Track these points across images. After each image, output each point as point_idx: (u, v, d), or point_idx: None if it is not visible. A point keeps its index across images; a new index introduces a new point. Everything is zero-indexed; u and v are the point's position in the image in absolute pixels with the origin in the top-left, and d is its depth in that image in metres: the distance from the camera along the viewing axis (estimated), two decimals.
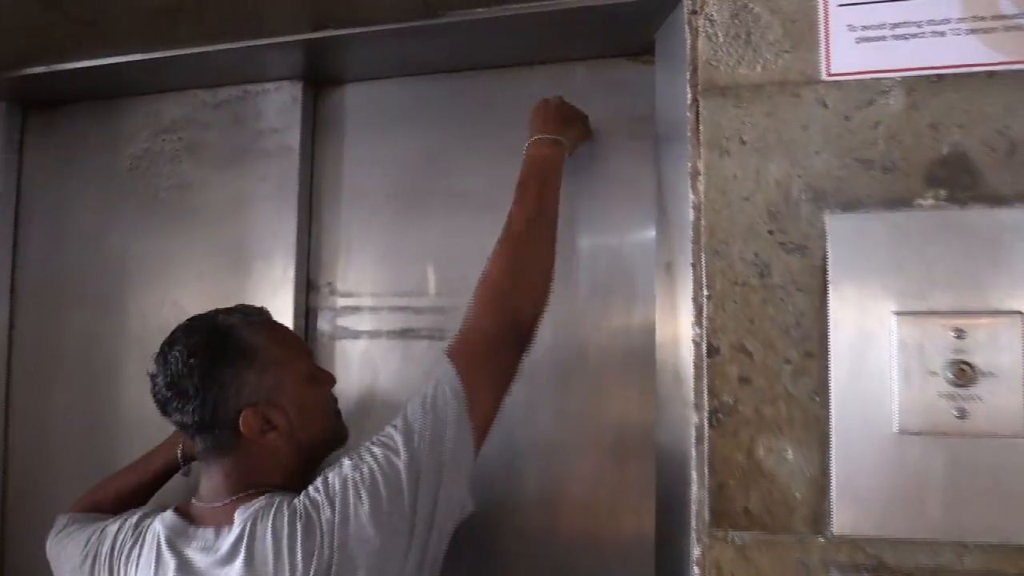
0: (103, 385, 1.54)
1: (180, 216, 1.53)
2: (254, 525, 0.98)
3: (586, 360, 1.30)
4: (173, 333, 1.09)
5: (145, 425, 1.42)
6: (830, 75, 0.84)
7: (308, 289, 1.47)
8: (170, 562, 1.02)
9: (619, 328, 1.29)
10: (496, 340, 1.04)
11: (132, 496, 1.25)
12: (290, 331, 1.20)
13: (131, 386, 1.51)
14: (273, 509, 0.98)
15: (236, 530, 1.00)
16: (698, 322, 0.87)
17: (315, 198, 1.48)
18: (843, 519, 0.81)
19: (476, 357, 1.04)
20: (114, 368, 1.55)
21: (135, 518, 1.11)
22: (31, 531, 1.55)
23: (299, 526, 0.95)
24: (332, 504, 0.96)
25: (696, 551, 0.85)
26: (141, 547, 1.06)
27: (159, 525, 1.05)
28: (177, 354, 1.04)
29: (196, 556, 1.01)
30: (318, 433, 1.12)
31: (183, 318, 1.14)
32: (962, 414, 0.78)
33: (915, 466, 0.79)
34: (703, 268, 0.87)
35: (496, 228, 1.14)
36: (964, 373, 0.77)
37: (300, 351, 1.15)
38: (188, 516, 1.06)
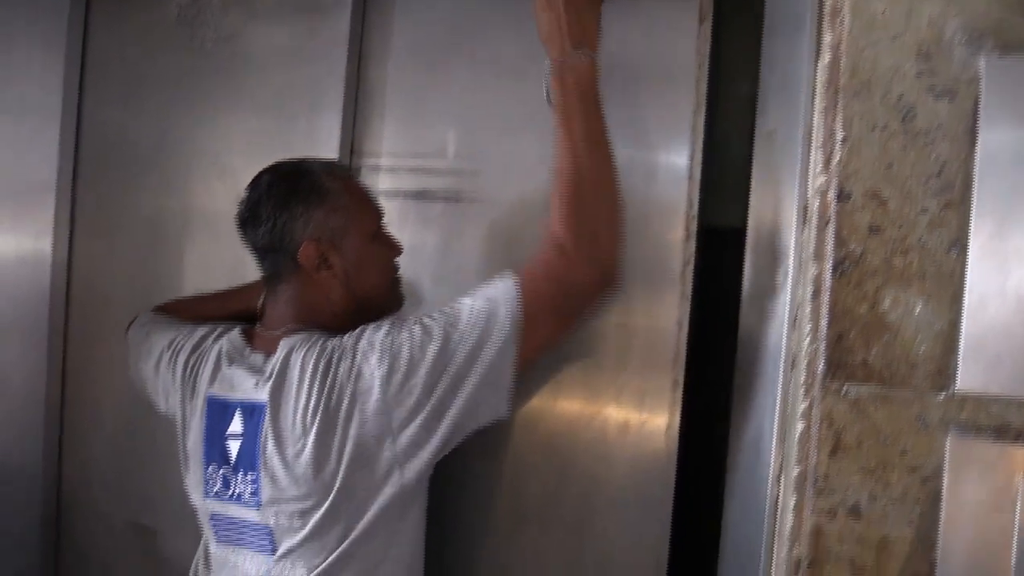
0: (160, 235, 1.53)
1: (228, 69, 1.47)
2: (290, 354, 1.08)
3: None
4: (266, 167, 1.18)
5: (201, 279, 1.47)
6: None
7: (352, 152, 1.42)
8: (220, 375, 1.16)
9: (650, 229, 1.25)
10: (577, 286, 1.02)
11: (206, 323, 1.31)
12: (369, 192, 1.22)
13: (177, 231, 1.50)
14: (309, 344, 1.08)
15: (277, 357, 1.10)
16: (826, 169, 0.82)
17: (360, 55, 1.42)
18: (969, 377, 0.77)
19: (547, 293, 1.02)
20: (159, 216, 1.53)
21: (219, 330, 1.23)
22: (92, 380, 1.57)
23: (321, 365, 1.04)
24: (354, 356, 1.04)
25: (803, 404, 0.81)
26: (210, 357, 1.19)
27: (226, 341, 1.19)
28: (262, 183, 1.15)
29: (241, 373, 1.14)
30: (371, 288, 1.18)
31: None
32: None
33: None
34: (839, 110, 0.82)
35: (522, 97, 1.20)
36: None
37: (371, 210, 1.20)
38: (249, 338, 1.19)
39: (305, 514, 1.05)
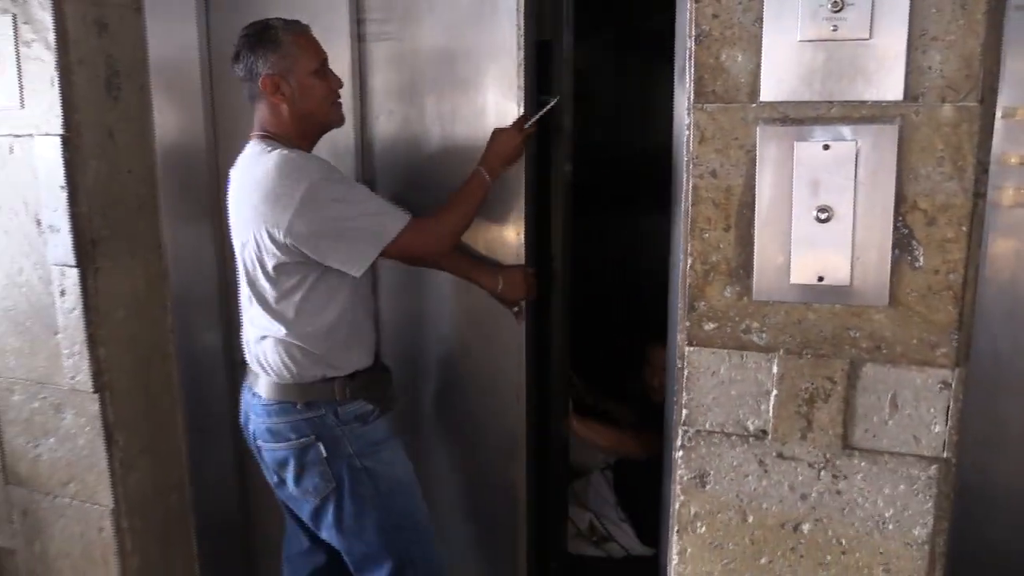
0: None
1: None
2: (248, 154, 1.88)
3: None
4: (245, 26, 1.88)
5: None
6: None
7: None
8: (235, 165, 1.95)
9: None
10: (436, 246, 1.96)
11: None
12: (314, 42, 1.89)
13: None
14: (259, 153, 1.86)
15: (244, 153, 1.90)
16: None
17: None
18: (767, 93, 1.44)
19: (421, 238, 1.89)
20: None
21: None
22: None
23: (276, 177, 1.80)
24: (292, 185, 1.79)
25: (687, 119, 1.49)
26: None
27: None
28: (242, 35, 1.87)
29: (243, 161, 1.91)
30: (312, 109, 1.89)
31: None
32: (836, 29, 1.39)
33: (807, 60, 1.41)
34: None
35: None
36: (837, 4, 1.38)
37: (312, 56, 1.88)
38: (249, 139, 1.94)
39: (258, 260, 1.83)
